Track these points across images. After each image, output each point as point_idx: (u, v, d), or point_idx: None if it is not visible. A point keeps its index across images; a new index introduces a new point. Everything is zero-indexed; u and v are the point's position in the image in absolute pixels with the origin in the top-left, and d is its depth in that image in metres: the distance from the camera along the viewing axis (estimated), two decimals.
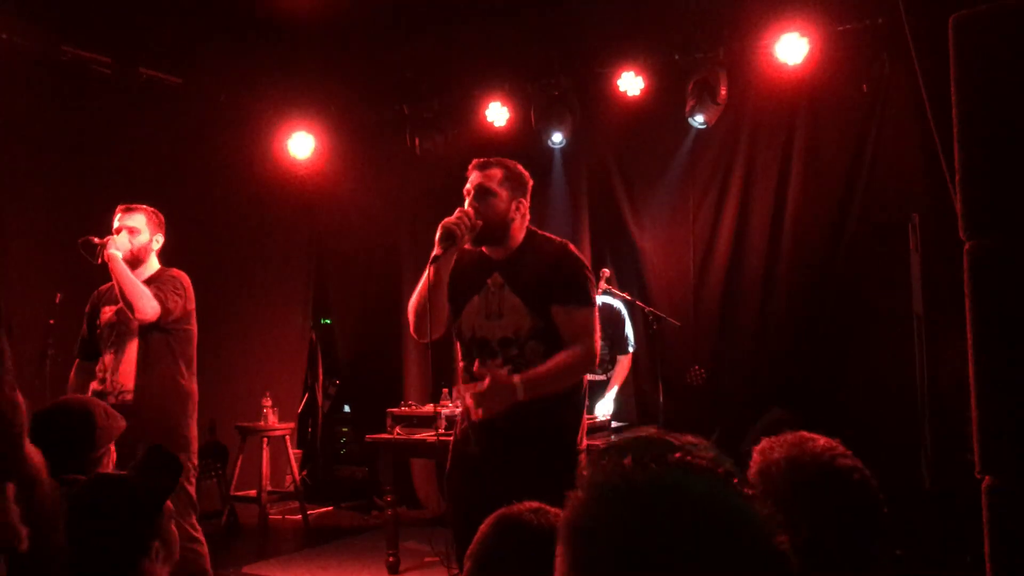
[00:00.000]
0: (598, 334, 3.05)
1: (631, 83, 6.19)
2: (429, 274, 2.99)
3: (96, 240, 3.92)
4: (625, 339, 5.67)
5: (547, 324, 2.98)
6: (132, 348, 4.00)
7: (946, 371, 4.96)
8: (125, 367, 4.00)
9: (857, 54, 5.71)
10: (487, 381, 2.83)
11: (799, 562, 0.82)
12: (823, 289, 5.90)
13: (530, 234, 3.15)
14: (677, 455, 0.83)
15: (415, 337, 3.16)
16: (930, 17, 2.50)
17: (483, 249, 3.14)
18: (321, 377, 8.13)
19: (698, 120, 6.02)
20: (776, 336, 6.06)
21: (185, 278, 4.11)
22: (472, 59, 6.69)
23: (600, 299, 5.52)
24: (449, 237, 2.94)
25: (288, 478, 7.04)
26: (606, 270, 5.69)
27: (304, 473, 7.37)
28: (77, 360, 4.16)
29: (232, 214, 6.97)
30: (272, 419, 6.66)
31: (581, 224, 6.76)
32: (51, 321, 4.71)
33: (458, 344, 3.20)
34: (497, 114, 6.64)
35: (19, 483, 1.81)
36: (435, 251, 2.96)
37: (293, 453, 6.99)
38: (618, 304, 5.72)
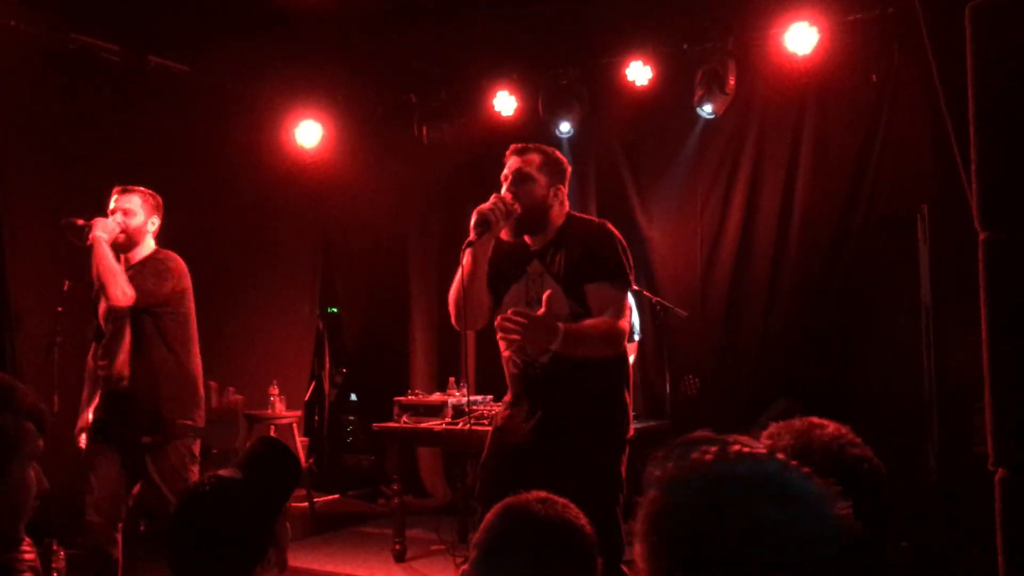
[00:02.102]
0: (628, 313, 3.02)
1: (639, 73, 6.16)
2: (464, 261, 2.94)
3: (80, 222, 3.84)
4: (631, 327, 5.64)
5: (586, 310, 2.93)
6: (125, 333, 3.94)
7: (954, 363, 4.94)
8: (121, 353, 3.94)
9: (866, 44, 5.67)
10: (541, 311, 2.77)
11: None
12: (831, 280, 5.88)
13: (569, 219, 3.11)
14: (736, 447, 0.93)
15: (456, 328, 3.09)
16: (945, 5, 2.48)
17: (524, 237, 3.10)
18: (328, 366, 8.14)
19: (706, 110, 6.00)
20: (783, 327, 6.05)
21: (175, 260, 4.02)
22: (480, 48, 6.66)
23: None
24: (483, 223, 2.89)
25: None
26: None
27: (311, 461, 7.39)
28: (93, 344, 4.11)
29: (239, 202, 6.96)
30: (279, 407, 6.68)
31: (588, 214, 6.73)
32: (59, 308, 4.70)
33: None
34: (505, 103, 6.61)
35: None
36: (469, 237, 2.90)
37: (300, 441, 7.00)
38: None
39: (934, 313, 5.16)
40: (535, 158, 3.06)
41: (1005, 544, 1.90)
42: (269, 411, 6.64)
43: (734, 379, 6.10)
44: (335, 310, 8.22)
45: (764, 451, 0.94)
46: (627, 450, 3.08)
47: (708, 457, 0.92)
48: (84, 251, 3.91)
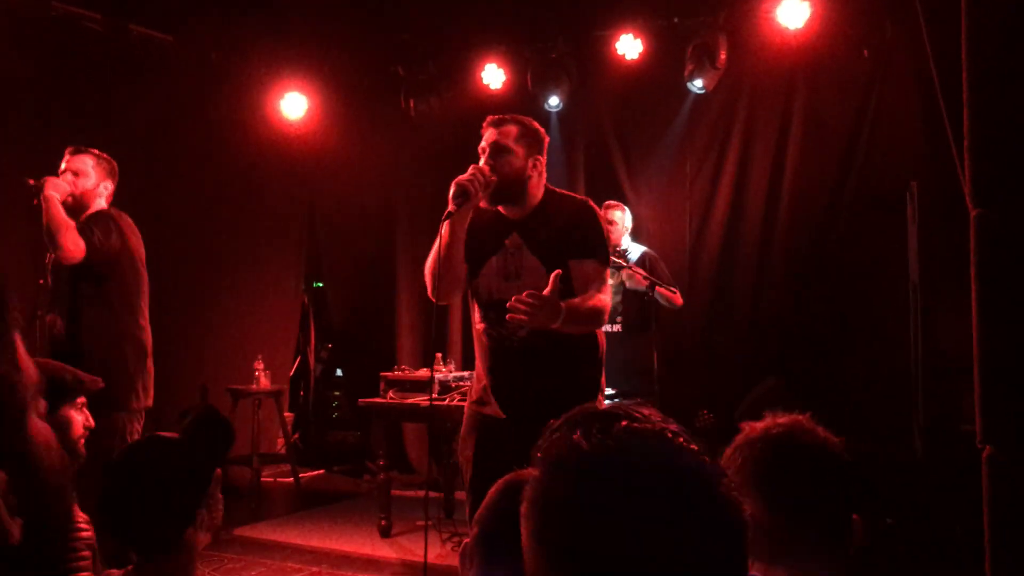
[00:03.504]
0: (609, 290, 3.04)
1: (630, 46, 6.10)
2: (442, 232, 2.94)
3: (31, 181, 3.73)
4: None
5: (566, 285, 2.93)
6: (67, 295, 3.82)
7: (942, 341, 4.95)
8: (62, 316, 3.82)
9: (858, 19, 5.64)
10: (548, 290, 2.77)
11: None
12: (820, 257, 5.89)
13: (548, 193, 3.11)
14: (624, 423, 0.87)
15: (432, 300, 3.08)
16: None
17: (500, 209, 3.09)
18: (313, 341, 8.12)
19: (697, 85, 5.96)
20: (772, 304, 6.06)
21: (125, 218, 3.90)
22: (469, 21, 6.59)
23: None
24: (462, 194, 2.88)
25: (280, 441, 7.03)
26: None
27: (296, 436, 7.38)
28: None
29: (223, 174, 6.89)
30: (264, 382, 6.65)
31: (576, 189, 6.69)
32: (41, 281, 4.65)
33: (475, 306, 3.15)
34: (493, 77, 6.55)
35: (20, 465, 1.76)
36: (448, 208, 2.90)
37: (285, 416, 6.99)
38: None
39: (922, 291, 5.16)
40: (512, 129, 3.05)
41: (991, 521, 1.90)
42: (254, 386, 6.61)
43: (721, 355, 6.11)
44: (320, 284, 8.18)
45: (652, 427, 0.87)
46: None
47: (591, 439, 0.86)
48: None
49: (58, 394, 2.43)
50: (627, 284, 5.48)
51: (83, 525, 2.24)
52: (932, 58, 2.63)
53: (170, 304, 5.33)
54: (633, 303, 5.54)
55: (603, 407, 0.92)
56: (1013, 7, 1.91)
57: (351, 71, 7.10)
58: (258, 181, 7.26)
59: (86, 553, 2.21)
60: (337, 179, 7.55)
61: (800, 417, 1.61)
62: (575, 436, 0.87)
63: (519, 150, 3.02)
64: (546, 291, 2.78)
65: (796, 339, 5.86)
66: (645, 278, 5.27)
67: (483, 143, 3.06)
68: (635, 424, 0.87)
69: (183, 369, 6.45)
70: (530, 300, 2.74)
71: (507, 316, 2.82)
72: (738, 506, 0.85)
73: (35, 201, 3.71)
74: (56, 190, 3.74)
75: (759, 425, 1.59)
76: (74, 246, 3.66)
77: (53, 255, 3.79)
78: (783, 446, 1.55)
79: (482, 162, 3.03)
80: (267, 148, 7.19)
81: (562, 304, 2.81)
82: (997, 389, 1.89)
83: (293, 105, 7.12)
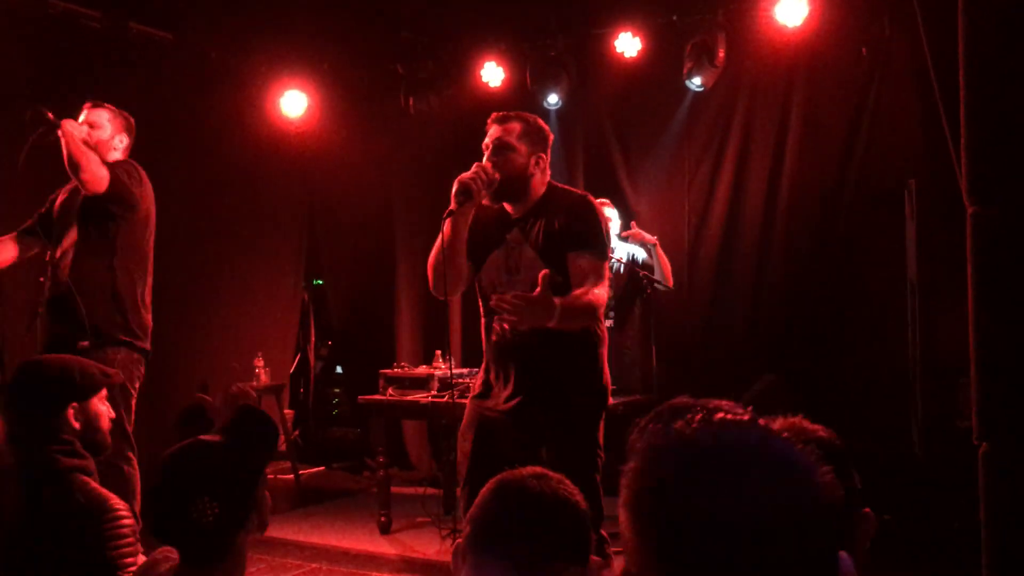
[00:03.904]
0: (606, 284, 3.06)
1: (628, 44, 6.10)
2: (444, 229, 2.98)
3: (51, 116, 3.68)
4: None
5: (565, 279, 2.97)
6: (72, 235, 3.80)
7: (940, 338, 4.97)
8: (65, 258, 3.79)
9: (857, 17, 5.64)
10: (537, 291, 2.79)
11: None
12: (818, 254, 5.89)
13: (551, 188, 3.13)
14: (720, 415, 0.91)
15: (434, 295, 3.14)
16: None
17: (504, 205, 3.12)
18: (313, 338, 8.12)
19: (695, 83, 5.96)
20: (770, 302, 6.06)
21: (141, 169, 3.89)
22: (468, 19, 6.59)
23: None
24: (464, 192, 2.91)
25: (280, 438, 7.03)
26: None
27: (296, 433, 7.38)
28: (15, 233, 3.98)
29: (223, 173, 6.88)
30: (264, 379, 6.65)
31: (575, 186, 6.66)
32: (41, 279, 4.65)
33: (480, 301, 3.21)
34: (492, 74, 6.55)
35: None
36: (451, 206, 2.94)
37: (285, 413, 6.99)
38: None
39: (920, 289, 5.18)
40: (516, 126, 3.07)
41: (988, 517, 1.91)
42: (254, 383, 6.62)
43: (720, 354, 6.11)
44: (320, 282, 8.18)
45: (747, 418, 0.92)
46: (604, 415, 3.13)
47: (693, 427, 0.90)
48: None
49: (89, 388, 2.46)
50: (622, 261, 5.50)
51: (123, 512, 2.26)
52: (930, 56, 2.64)
53: (170, 301, 5.33)
54: (627, 298, 5.56)
55: (688, 401, 0.95)
56: (1010, 6, 1.91)
57: (351, 69, 7.11)
58: (258, 179, 7.26)
59: (130, 540, 2.23)
60: (337, 177, 7.55)
61: (795, 420, 1.63)
62: (678, 425, 0.90)
63: (522, 147, 3.04)
64: (536, 292, 2.79)
65: (794, 337, 5.86)
66: (645, 276, 5.29)
67: (487, 139, 3.09)
68: (730, 416, 0.91)
69: (183, 366, 6.46)
70: (516, 301, 2.76)
71: (494, 317, 2.84)
72: (833, 490, 0.90)
73: (51, 136, 3.67)
74: (73, 129, 3.71)
75: None
76: (99, 172, 3.63)
77: (74, 182, 3.72)
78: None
79: (485, 158, 3.04)
80: (267, 146, 7.18)
81: (556, 301, 2.82)
82: (994, 386, 1.90)
83: (292, 103, 7.12)
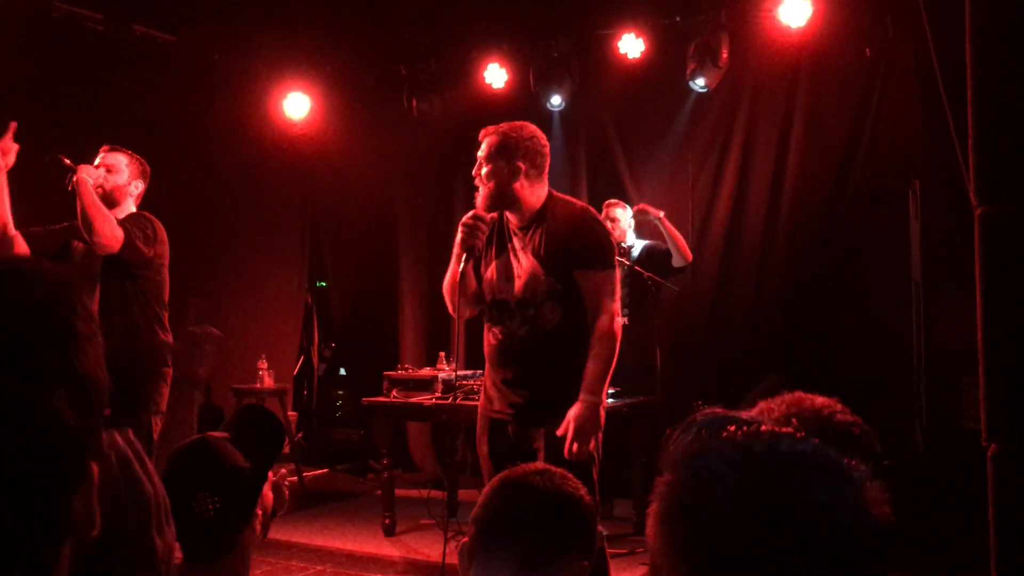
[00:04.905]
0: (618, 296, 3.13)
1: (631, 45, 6.10)
2: (454, 269, 3.16)
3: (67, 161, 3.67)
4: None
5: (565, 286, 3.06)
6: (94, 292, 3.74)
7: (944, 339, 4.96)
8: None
9: (860, 17, 5.64)
10: (571, 427, 2.93)
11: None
12: (822, 255, 5.88)
13: (550, 198, 3.20)
14: (764, 427, 0.86)
15: (452, 316, 3.35)
16: None
17: (507, 214, 3.21)
18: (316, 340, 8.11)
19: (699, 84, 5.96)
20: (774, 302, 6.05)
21: (158, 223, 3.87)
22: (471, 20, 6.59)
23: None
24: (468, 250, 3.11)
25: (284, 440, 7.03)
26: None
27: (300, 435, 7.38)
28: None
29: (226, 175, 6.89)
30: (268, 381, 6.65)
31: (579, 188, 6.71)
32: None
33: (483, 305, 3.31)
34: (495, 76, 6.55)
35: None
36: (456, 250, 3.13)
37: (289, 415, 6.99)
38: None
39: (924, 289, 5.17)
40: (491, 142, 3.16)
41: (997, 519, 1.90)
42: (257, 385, 6.61)
43: (724, 354, 6.10)
44: (323, 284, 8.18)
45: (791, 430, 0.88)
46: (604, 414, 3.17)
47: (740, 435, 0.85)
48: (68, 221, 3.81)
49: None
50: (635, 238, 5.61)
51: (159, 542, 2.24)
52: (935, 56, 2.64)
53: (174, 304, 5.32)
54: (639, 295, 5.55)
55: (724, 412, 0.92)
56: (1017, 6, 1.91)
57: (353, 71, 7.11)
58: (261, 181, 7.26)
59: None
60: (340, 178, 7.55)
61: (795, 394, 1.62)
62: (724, 435, 0.86)
63: (499, 163, 3.12)
64: (559, 430, 2.94)
65: (798, 336, 5.85)
66: (649, 277, 5.30)
67: (478, 153, 3.21)
68: (775, 427, 0.88)
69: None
70: (573, 441, 2.91)
71: (574, 454, 2.93)
72: (881, 504, 0.86)
73: (67, 184, 3.65)
74: (89, 175, 3.69)
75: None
76: (112, 234, 3.60)
77: (87, 240, 3.69)
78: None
79: (474, 169, 3.18)
80: (270, 148, 7.19)
81: (593, 401, 2.95)
82: (1001, 387, 1.90)
83: (296, 105, 7.13)
